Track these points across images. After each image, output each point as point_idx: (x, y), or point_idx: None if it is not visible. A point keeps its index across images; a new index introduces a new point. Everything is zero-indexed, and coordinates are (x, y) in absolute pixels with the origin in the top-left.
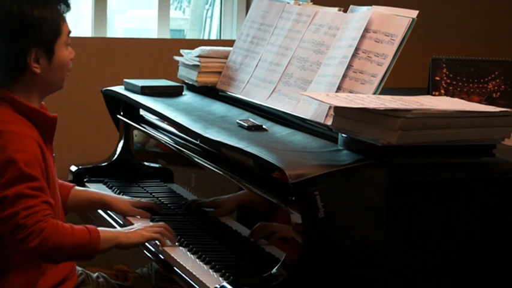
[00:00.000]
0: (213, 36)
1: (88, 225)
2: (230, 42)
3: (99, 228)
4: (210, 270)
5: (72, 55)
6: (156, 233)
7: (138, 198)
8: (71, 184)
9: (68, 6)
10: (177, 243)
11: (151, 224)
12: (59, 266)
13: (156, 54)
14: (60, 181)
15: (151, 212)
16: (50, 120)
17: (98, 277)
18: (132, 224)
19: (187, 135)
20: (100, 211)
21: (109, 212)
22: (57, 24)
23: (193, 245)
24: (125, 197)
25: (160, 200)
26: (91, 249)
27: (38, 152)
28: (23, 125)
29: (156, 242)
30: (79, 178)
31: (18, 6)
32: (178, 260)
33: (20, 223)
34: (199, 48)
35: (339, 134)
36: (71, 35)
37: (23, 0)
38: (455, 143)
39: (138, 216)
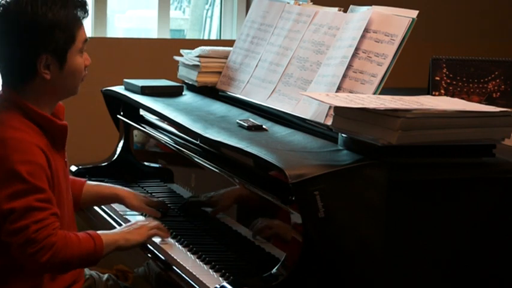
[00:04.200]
0: (213, 36)
1: (90, 232)
2: (230, 42)
3: (100, 232)
4: (210, 270)
5: (87, 62)
6: (154, 230)
7: (150, 197)
8: (83, 180)
9: (85, 12)
10: (176, 243)
11: (146, 222)
12: None
13: (156, 54)
14: (72, 177)
15: (160, 211)
16: (60, 127)
17: (107, 279)
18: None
19: (187, 135)
20: (101, 212)
21: (110, 213)
22: (72, 31)
23: (193, 245)
24: (138, 193)
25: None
26: (96, 256)
27: (42, 160)
28: (30, 132)
29: (154, 240)
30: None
31: (33, 6)
32: (178, 260)
33: (32, 237)
34: (199, 48)
35: (339, 134)
36: None
37: (38, 1)
38: (455, 143)
39: (138, 216)
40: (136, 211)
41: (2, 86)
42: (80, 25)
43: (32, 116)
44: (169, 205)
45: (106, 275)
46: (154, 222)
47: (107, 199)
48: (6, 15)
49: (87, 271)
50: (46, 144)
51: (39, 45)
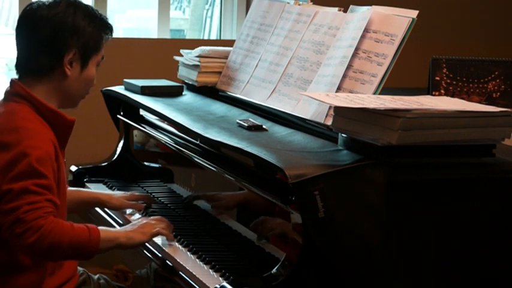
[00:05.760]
0: (213, 36)
1: (89, 224)
2: (230, 42)
3: (100, 228)
4: (210, 270)
5: (94, 81)
6: (158, 229)
7: (131, 192)
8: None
9: (111, 34)
10: (176, 243)
11: (149, 218)
12: (64, 266)
13: (156, 54)
14: None
15: (144, 204)
16: (68, 123)
17: (99, 279)
18: (130, 221)
19: (187, 135)
20: (99, 211)
21: (107, 210)
22: (100, 42)
23: (193, 245)
24: (117, 192)
25: (160, 200)
26: (90, 249)
27: (52, 151)
28: (40, 126)
29: (156, 241)
30: (79, 178)
31: (75, 15)
32: (178, 260)
33: (20, 217)
34: (199, 48)
35: (339, 134)
36: None
37: (79, 14)
38: (455, 143)
39: (130, 211)
40: (119, 210)
41: (13, 80)
42: (104, 43)
43: (42, 110)
44: (169, 205)
45: (97, 275)
46: (161, 223)
47: (88, 204)
48: (43, 11)
49: (79, 268)
50: (54, 139)
51: (73, 39)
